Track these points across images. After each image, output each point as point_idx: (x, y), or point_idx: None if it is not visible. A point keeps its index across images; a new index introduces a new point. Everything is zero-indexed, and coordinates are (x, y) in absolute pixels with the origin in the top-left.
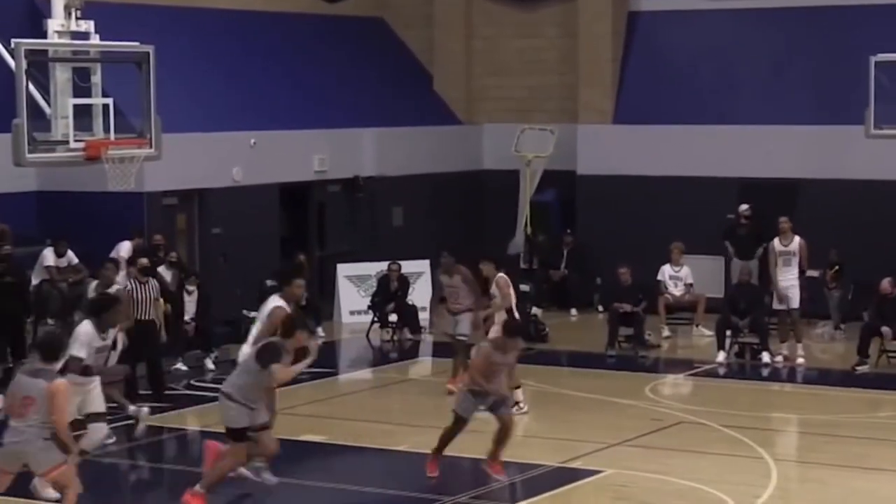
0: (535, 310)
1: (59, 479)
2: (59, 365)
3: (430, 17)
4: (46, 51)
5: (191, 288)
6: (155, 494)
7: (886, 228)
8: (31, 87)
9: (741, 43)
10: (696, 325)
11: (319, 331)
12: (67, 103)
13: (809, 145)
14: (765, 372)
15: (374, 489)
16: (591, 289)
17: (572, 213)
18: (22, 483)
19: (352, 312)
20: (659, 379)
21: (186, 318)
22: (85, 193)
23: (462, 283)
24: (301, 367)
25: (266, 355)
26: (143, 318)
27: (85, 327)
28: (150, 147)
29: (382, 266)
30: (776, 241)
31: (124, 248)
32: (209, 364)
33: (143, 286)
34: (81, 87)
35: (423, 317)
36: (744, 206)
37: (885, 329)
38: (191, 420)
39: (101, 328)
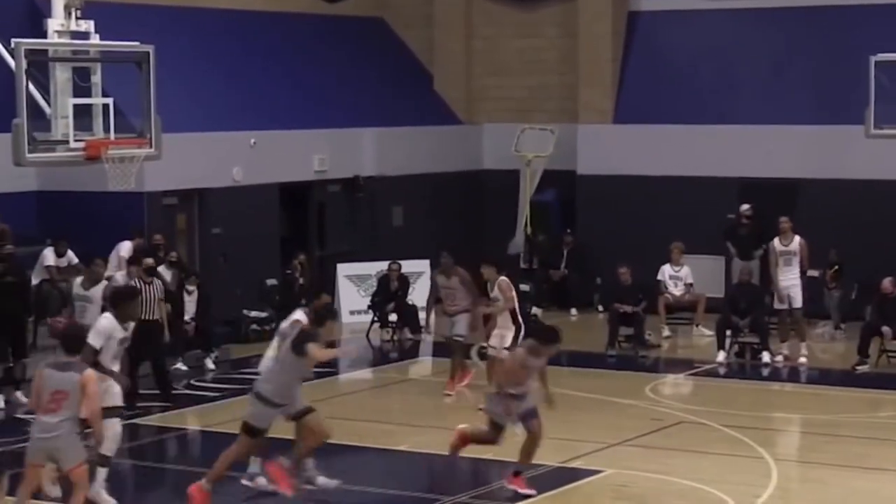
0: (535, 310)
1: (80, 477)
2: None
3: (431, 17)
4: (46, 50)
5: (191, 288)
6: (156, 494)
7: (887, 228)
8: (32, 87)
9: (741, 43)
10: (697, 325)
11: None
12: (67, 103)
13: (809, 145)
14: (765, 372)
15: (374, 489)
16: (591, 289)
17: (572, 212)
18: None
19: (352, 312)
20: (659, 379)
21: (186, 317)
22: (85, 193)
23: (459, 285)
24: (338, 352)
25: (301, 339)
26: (147, 317)
27: (105, 319)
28: (150, 147)
29: (382, 266)
30: (776, 240)
31: (124, 248)
32: (209, 364)
33: (147, 286)
34: (81, 86)
35: (423, 317)
36: (745, 206)
37: (885, 329)
38: (191, 420)
39: (122, 319)
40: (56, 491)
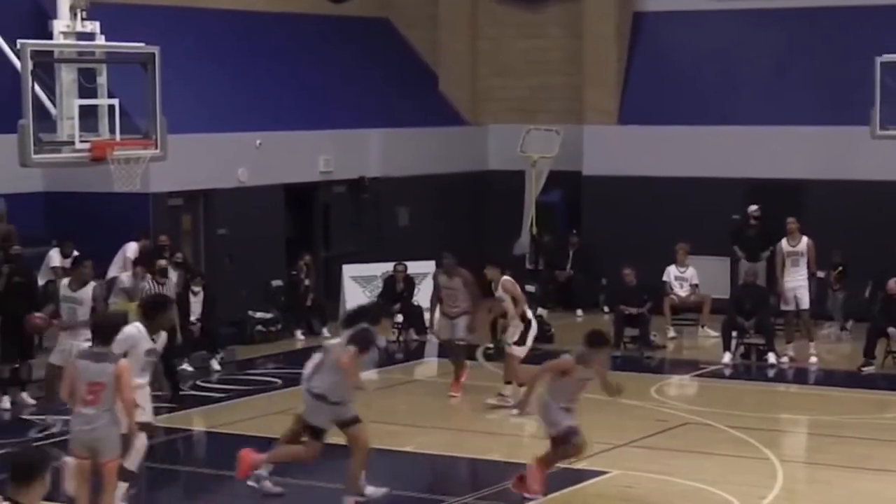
0: (540, 310)
1: (111, 472)
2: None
3: (435, 18)
4: (52, 52)
5: (196, 289)
6: (162, 495)
7: (893, 229)
8: (37, 88)
9: (746, 44)
10: (702, 326)
11: (325, 331)
12: (73, 104)
13: (815, 146)
14: (770, 373)
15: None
16: (596, 289)
17: (578, 213)
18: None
19: None
20: (664, 380)
21: (192, 318)
22: (91, 194)
23: (461, 286)
24: (356, 381)
25: (359, 341)
26: None
27: (132, 327)
28: (156, 148)
29: (388, 267)
30: (784, 241)
31: (130, 249)
32: (215, 365)
33: (161, 287)
34: (87, 87)
35: (429, 318)
36: (753, 207)
37: (891, 330)
38: (197, 421)
39: (154, 329)
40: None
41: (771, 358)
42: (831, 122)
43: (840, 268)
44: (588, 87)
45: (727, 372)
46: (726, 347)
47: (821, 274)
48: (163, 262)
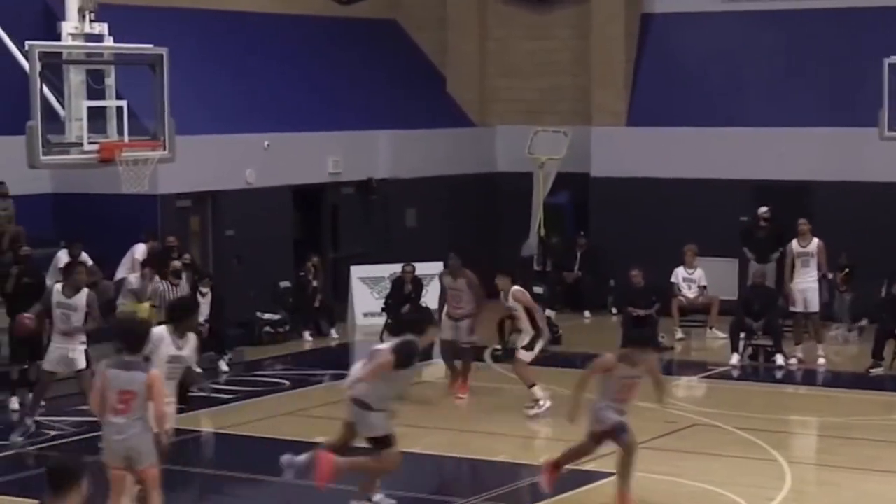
0: (548, 312)
1: (152, 479)
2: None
3: (444, 19)
4: (60, 53)
5: (204, 290)
6: (170, 496)
7: None
8: (46, 90)
9: (754, 45)
10: (710, 328)
11: (333, 332)
12: (81, 105)
13: (823, 147)
14: (778, 374)
15: (387, 490)
16: (604, 291)
17: (586, 215)
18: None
19: (365, 314)
20: (672, 381)
21: (200, 319)
22: (99, 195)
23: (466, 287)
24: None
25: (404, 358)
26: None
27: (157, 329)
28: (164, 149)
29: (396, 268)
30: (794, 242)
31: (139, 251)
32: (223, 366)
33: (174, 288)
34: (95, 89)
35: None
36: (763, 209)
37: None
38: (205, 422)
39: (180, 333)
40: None
41: (779, 359)
42: (839, 124)
43: (846, 269)
44: (596, 88)
45: (735, 373)
46: (734, 349)
47: (831, 275)
48: (177, 264)
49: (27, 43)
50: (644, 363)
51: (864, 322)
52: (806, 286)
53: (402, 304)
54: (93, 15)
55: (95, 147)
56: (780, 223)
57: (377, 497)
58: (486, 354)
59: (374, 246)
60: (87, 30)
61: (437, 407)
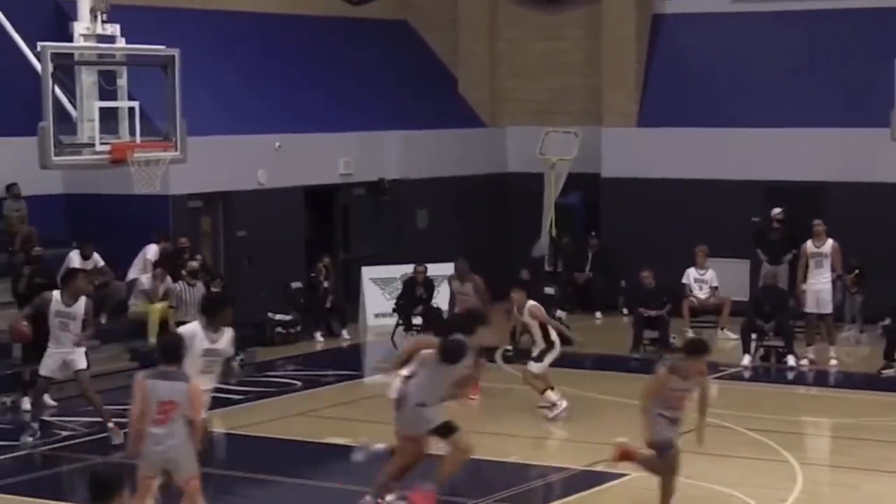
0: (559, 312)
1: (194, 489)
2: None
3: (455, 20)
4: (72, 54)
5: (216, 290)
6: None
7: None
8: (58, 91)
9: (766, 46)
10: (721, 329)
11: (345, 333)
12: (93, 106)
13: (835, 148)
14: (790, 375)
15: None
16: (615, 291)
17: (597, 215)
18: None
19: (377, 315)
20: None
21: None
22: (110, 196)
23: (473, 292)
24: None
25: (450, 352)
26: (190, 319)
27: (189, 325)
28: (176, 150)
29: (407, 269)
30: (809, 242)
31: (151, 252)
32: (234, 367)
33: (191, 288)
34: (107, 90)
35: None
36: (776, 210)
37: None
38: (216, 423)
39: (215, 328)
40: None
41: (790, 360)
42: (851, 125)
43: (857, 270)
44: (607, 89)
45: (746, 374)
46: (746, 350)
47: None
48: (193, 264)
49: (39, 44)
50: (697, 371)
51: (887, 321)
52: (820, 287)
53: (413, 305)
54: (105, 16)
55: (107, 148)
56: (793, 224)
57: (389, 498)
58: (497, 355)
59: (386, 247)
60: (99, 31)
61: (449, 408)
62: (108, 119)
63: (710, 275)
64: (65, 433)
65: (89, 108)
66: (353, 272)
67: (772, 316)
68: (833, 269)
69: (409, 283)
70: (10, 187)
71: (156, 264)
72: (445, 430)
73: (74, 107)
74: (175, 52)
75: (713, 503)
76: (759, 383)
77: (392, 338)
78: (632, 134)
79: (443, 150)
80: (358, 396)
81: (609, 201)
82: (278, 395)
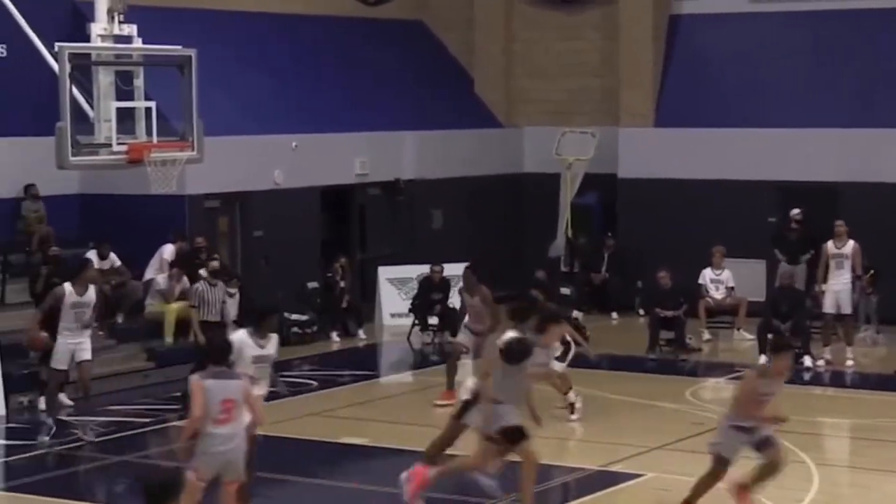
0: (575, 313)
1: (239, 493)
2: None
3: (471, 20)
4: (90, 54)
5: (232, 291)
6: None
7: None
8: (75, 91)
9: (782, 46)
10: (738, 329)
11: (361, 333)
12: (110, 106)
13: (851, 149)
14: (806, 376)
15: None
16: (631, 292)
17: (613, 216)
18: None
19: (393, 315)
20: (700, 382)
21: (226, 320)
22: (127, 196)
23: (481, 304)
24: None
25: (513, 352)
26: (212, 319)
27: (237, 334)
28: (192, 150)
29: (422, 269)
30: (830, 243)
31: (168, 252)
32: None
33: (213, 288)
34: (124, 90)
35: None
36: (795, 211)
37: None
38: None
39: (262, 334)
40: None
41: (807, 361)
42: (867, 125)
43: (871, 271)
44: (624, 89)
45: None
46: (762, 350)
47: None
48: (215, 264)
49: (57, 44)
50: (784, 369)
51: None
52: (839, 288)
53: (429, 306)
54: (122, 16)
55: (124, 148)
56: (811, 225)
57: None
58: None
59: (402, 247)
60: (116, 31)
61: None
62: (125, 119)
63: (726, 275)
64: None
65: (106, 109)
66: (370, 272)
67: (788, 316)
68: (853, 270)
69: (425, 283)
70: (29, 188)
71: (172, 264)
72: (514, 435)
73: (92, 107)
74: (192, 52)
75: (729, 503)
76: None
77: (408, 338)
78: (648, 134)
79: (458, 151)
80: (374, 396)
81: (625, 202)
82: (294, 395)
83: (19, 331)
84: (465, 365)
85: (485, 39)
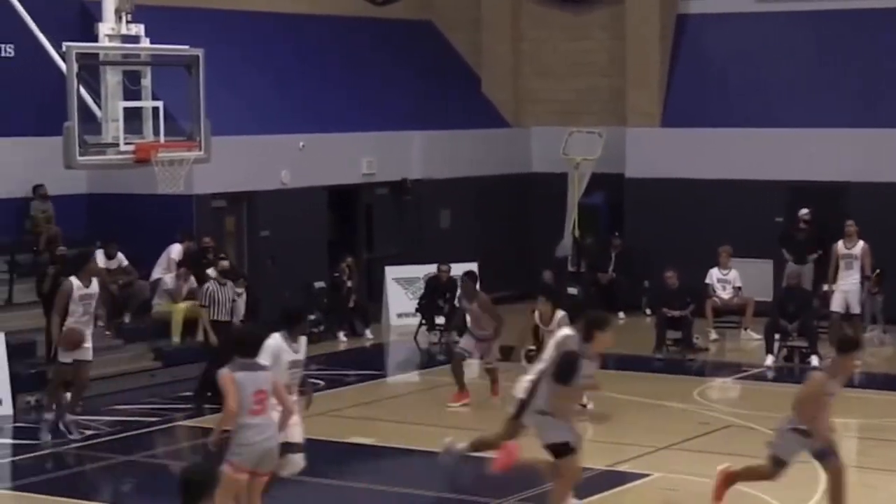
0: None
1: (265, 485)
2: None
3: (478, 20)
4: (97, 54)
5: (239, 290)
6: None
7: None
8: (83, 91)
9: (790, 46)
10: (745, 329)
11: (368, 333)
12: (118, 106)
13: (859, 148)
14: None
15: (422, 491)
16: (638, 292)
17: (620, 216)
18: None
19: (400, 315)
20: (707, 382)
21: (235, 320)
22: (134, 196)
23: (480, 311)
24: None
25: (563, 370)
26: (223, 318)
27: (272, 338)
28: (200, 150)
29: (429, 268)
30: (840, 243)
31: (175, 251)
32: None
33: (223, 287)
34: (131, 90)
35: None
36: (804, 211)
37: None
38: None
39: (294, 338)
40: None
41: (814, 360)
42: (874, 125)
43: (877, 270)
44: (631, 89)
45: (770, 374)
46: (769, 350)
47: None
48: (224, 264)
49: (64, 44)
50: (851, 368)
51: None
52: (848, 288)
53: (436, 305)
54: (129, 16)
55: (131, 148)
56: (819, 225)
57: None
58: (521, 354)
59: (408, 246)
60: (124, 31)
61: (471, 408)
62: (133, 119)
63: (733, 275)
64: (88, 432)
65: (114, 108)
66: (376, 272)
67: (795, 316)
68: (862, 271)
69: (432, 283)
70: (37, 188)
71: (180, 264)
72: (560, 451)
73: (99, 107)
74: (199, 52)
75: (736, 503)
76: (783, 384)
77: (415, 337)
78: (656, 134)
79: (466, 150)
80: (381, 396)
81: (633, 201)
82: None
83: (27, 330)
84: (471, 364)
85: (492, 39)
